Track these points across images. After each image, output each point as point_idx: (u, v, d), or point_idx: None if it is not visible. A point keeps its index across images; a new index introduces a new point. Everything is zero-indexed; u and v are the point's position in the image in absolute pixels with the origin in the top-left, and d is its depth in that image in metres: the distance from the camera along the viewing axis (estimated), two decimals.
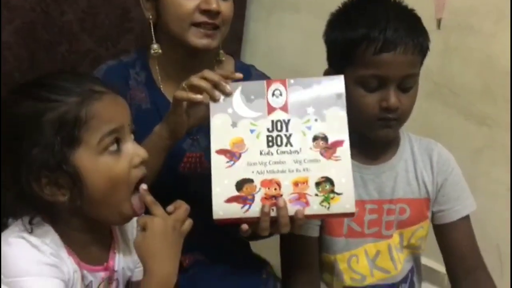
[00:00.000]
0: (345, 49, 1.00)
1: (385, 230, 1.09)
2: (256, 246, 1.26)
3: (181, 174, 1.13)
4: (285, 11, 1.82)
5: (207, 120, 0.92)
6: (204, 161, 1.12)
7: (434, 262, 1.38)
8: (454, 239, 1.11)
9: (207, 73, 0.93)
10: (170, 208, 0.84)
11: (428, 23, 1.40)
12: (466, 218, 1.12)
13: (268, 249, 1.18)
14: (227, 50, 1.24)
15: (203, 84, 0.92)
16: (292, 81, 0.93)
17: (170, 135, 0.98)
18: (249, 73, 1.20)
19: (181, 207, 0.85)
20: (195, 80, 0.93)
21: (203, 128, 0.98)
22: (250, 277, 1.15)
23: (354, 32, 0.98)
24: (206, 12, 1.04)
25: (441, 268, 1.23)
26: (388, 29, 0.97)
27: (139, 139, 0.92)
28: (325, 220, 1.06)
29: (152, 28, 1.12)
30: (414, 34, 0.99)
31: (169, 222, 0.82)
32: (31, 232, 0.79)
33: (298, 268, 1.08)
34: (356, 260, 1.09)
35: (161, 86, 1.16)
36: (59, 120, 0.77)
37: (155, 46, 1.12)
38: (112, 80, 1.09)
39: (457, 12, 1.43)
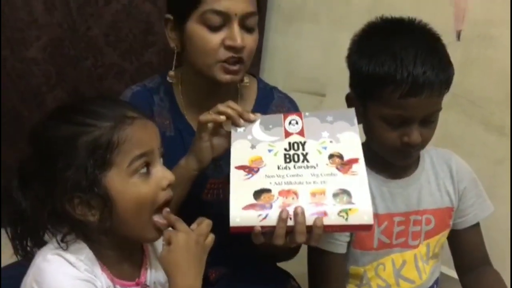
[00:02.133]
0: (369, 84, 0.99)
1: (412, 240, 1.11)
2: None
3: (204, 200, 1.15)
4: (304, 21, 1.83)
5: (229, 150, 0.96)
6: (226, 187, 1.13)
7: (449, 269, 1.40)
8: (468, 242, 1.15)
9: (232, 103, 0.98)
10: (193, 226, 0.87)
11: (448, 35, 1.41)
12: (478, 223, 1.15)
13: (291, 263, 1.20)
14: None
15: (229, 110, 0.96)
16: (307, 113, 0.98)
17: (197, 165, 1.01)
18: (272, 96, 1.20)
19: (203, 222, 0.87)
20: (221, 107, 0.97)
21: (226, 154, 1.00)
22: None
23: (380, 68, 0.97)
24: (231, 48, 1.05)
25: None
26: (416, 71, 0.95)
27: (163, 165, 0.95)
28: (355, 235, 1.07)
29: (174, 56, 1.13)
30: (441, 74, 0.97)
31: (192, 237, 0.84)
32: (66, 249, 0.82)
33: (325, 283, 1.10)
34: (383, 268, 1.11)
35: (185, 113, 1.17)
36: (93, 144, 0.80)
37: (171, 73, 1.14)
38: (137, 106, 1.13)
39: (477, 23, 1.44)
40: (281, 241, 0.88)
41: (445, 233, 1.14)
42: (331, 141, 0.94)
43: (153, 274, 0.92)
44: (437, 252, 1.14)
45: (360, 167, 0.91)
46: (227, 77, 1.06)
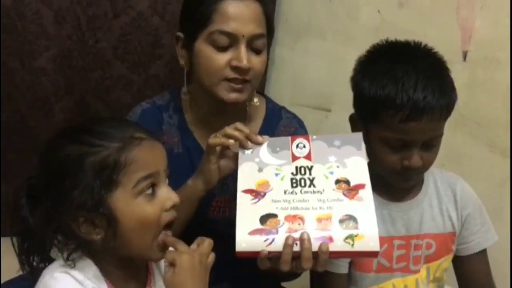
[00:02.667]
0: (371, 106, 1.00)
1: (413, 265, 1.10)
2: None
3: (211, 218, 1.15)
4: (311, 37, 1.85)
5: (236, 170, 0.97)
6: (232, 205, 1.14)
7: None
8: (472, 271, 1.14)
9: (240, 125, 0.99)
10: (193, 246, 0.87)
11: (454, 55, 1.42)
12: (484, 250, 1.14)
13: (294, 282, 1.20)
14: None
15: (237, 133, 0.97)
16: (314, 137, 0.99)
17: (204, 186, 1.02)
18: (280, 116, 1.21)
19: (204, 242, 0.88)
20: (229, 129, 0.98)
21: (232, 173, 1.02)
22: None
23: (381, 91, 0.98)
24: (237, 69, 1.05)
25: None
26: (416, 96, 0.95)
27: (170, 183, 0.95)
28: None
29: (185, 73, 1.14)
30: (442, 99, 0.97)
31: (196, 257, 0.85)
32: (74, 266, 0.83)
33: None
34: None
35: (193, 131, 1.18)
36: (100, 164, 0.81)
37: (184, 89, 1.15)
38: (146, 124, 1.13)
39: (484, 45, 1.44)
40: (287, 267, 0.88)
41: (448, 258, 1.13)
42: (338, 166, 0.95)
43: None
44: (438, 276, 1.14)
45: (367, 193, 0.91)
46: (232, 95, 1.07)
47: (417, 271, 1.11)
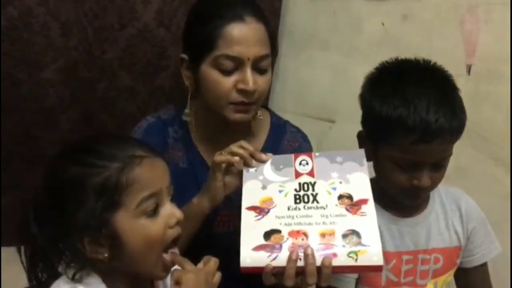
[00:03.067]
0: (381, 126, 1.00)
1: (420, 279, 1.11)
2: None
3: (216, 232, 1.16)
4: (315, 48, 1.86)
5: (241, 187, 0.99)
6: (236, 219, 1.15)
7: None
8: (473, 281, 1.15)
9: (244, 143, 1.00)
10: (200, 265, 0.88)
11: (458, 68, 1.43)
12: (485, 262, 1.16)
13: None
14: None
15: (241, 151, 0.99)
16: (317, 154, 1.01)
17: (209, 203, 1.03)
18: (284, 130, 1.22)
19: (210, 261, 0.88)
20: (234, 147, 1.00)
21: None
22: None
23: (392, 112, 0.98)
24: (243, 92, 1.06)
25: None
26: (428, 118, 0.95)
27: (176, 199, 0.95)
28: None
29: (189, 96, 1.15)
30: (453, 121, 0.97)
31: (201, 276, 0.85)
32: (80, 281, 0.83)
33: None
34: None
35: (198, 146, 1.18)
36: (102, 185, 0.81)
37: (187, 111, 1.16)
38: (151, 138, 1.15)
39: (487, 59, 1.45)
40: (291, 282, 0.88)
41: (452, 272, 1.14)
42: (340, 182, 0.96)
43: None
44: None
45: (370, 208, 0.93)
46: (238, 116, 1.08)
47: (424, 286, 1.11)
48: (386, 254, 1.07)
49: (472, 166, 1.50)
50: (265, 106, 1.25)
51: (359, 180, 0.96)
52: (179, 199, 1.06)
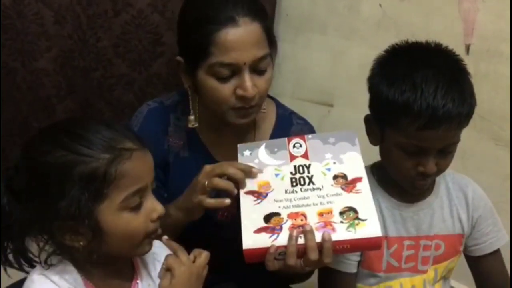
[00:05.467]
0: (388, 111, 0.98)
1: (421, 265, 1.10)
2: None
3: (220, 221, 1.14)
4: (313, 32, 1.84)
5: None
6: (239, 207, 1.14)
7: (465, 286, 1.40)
8: (488, 271, 1.14)
9: (239, 165, 0.98)
10: (191, 257, 0.87)
11: (457, 48, 1.41)
12: (498, 249, 1.14)
13: (304, 285, 1.20)
14: None
15: (239, 175, 0.96)
16: (310, 136, 1.02)
17: (186, 218, 1.02)
18: (291, 122, 1.18)
19: (201, 255, 0.88)
20: (232, 170, 0.96)
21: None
22: None
23: (399, 97, 0.95)
24: (242, 98, 1.02)
25: None
26: (435, 104, 0.92)
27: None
28: (364, 254, 1.08)
29: (190, 97, 1.12)
30: (461, 107, 0.95)
31: (193, 270, 0.86)
32: (47, 268, 0.83)
33: None
34: None
35: (201, 135, 1.16)
36: (89, 176, 0.79)
37: (191, 118, 1.12)
38: (151, 125, 1.13)
39: (486, 38, 1.44)
40: (293, 260, 0.89)
41: (455, 259, 1.13)
42: (334, 162, 0.98)
43: None
44: (444, 276, 1.14)
45: (364, 185, 0.95)
46: (240, 120, 1.06)
47: (425, 271, 1.11)
48: (388, 239, 1.08)
49: (473, 146, 1.48)
50: (270, 96, 1.21)
51: (352, 160, 0.98)
52: (179, 188, 1.05)
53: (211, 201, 0.96)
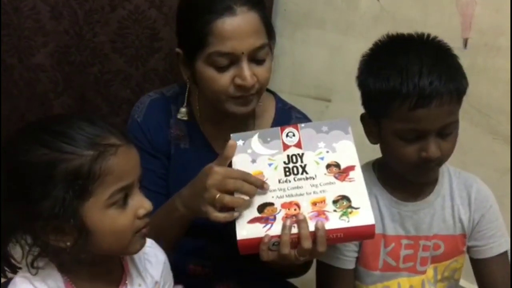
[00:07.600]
0: (378, 101, 0.99)
1: (420, 265, 1.09)
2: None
3: None
4: (311, 26, 1.83)
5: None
6: None
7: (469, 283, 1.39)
8: (489, 275, 1.10)
9: (250, 177, 0.95)
10: None
11: (455, 42, 1.40)
12: (503, 254, 1.11)
13: (302, 279, 1.20)
14: None
15: (253, 192, 0.93)
16: (303, 125, 1.02)
17: (193, 215, 1.00)
18: (290, 116, 1.18)
19: None
20: (247, 188, 0.93)
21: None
22: None
23: (386, 84, 0.96)
24: (241, 87, 1.02)
25: None
26: (422, 82, 0.93)
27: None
28: (361, 252, 1.08)
29: (187, 90, 1.12)
30: (449, 83, 0.95)
31: None
32: (36, 273, 0.80)
33: None
34: None
35: (202, 126, 1.15)
36: (73, 174, 0.76)
37: (183, 110, 1.12)
38: (154, 116, 1.12)
39: (484, 32, 1.43)
40: (287, 250, 0.89)
41: (458, 258, 1.11)
42: (327, 151, 0.98)
43: None
44: (448, 276, 1.12)
45: (357, 174, 0.95)
46: (240, 109, 1.06)
47: (424, 272, 1.10)
48: (385, 237, 1.07)
49: (471, 141, 1.48)
50: (270, 91, 1.20)
51: (345, 148, 0.97)
52: (178, 180, 1.05)
53: (219, 216, 0.93)
